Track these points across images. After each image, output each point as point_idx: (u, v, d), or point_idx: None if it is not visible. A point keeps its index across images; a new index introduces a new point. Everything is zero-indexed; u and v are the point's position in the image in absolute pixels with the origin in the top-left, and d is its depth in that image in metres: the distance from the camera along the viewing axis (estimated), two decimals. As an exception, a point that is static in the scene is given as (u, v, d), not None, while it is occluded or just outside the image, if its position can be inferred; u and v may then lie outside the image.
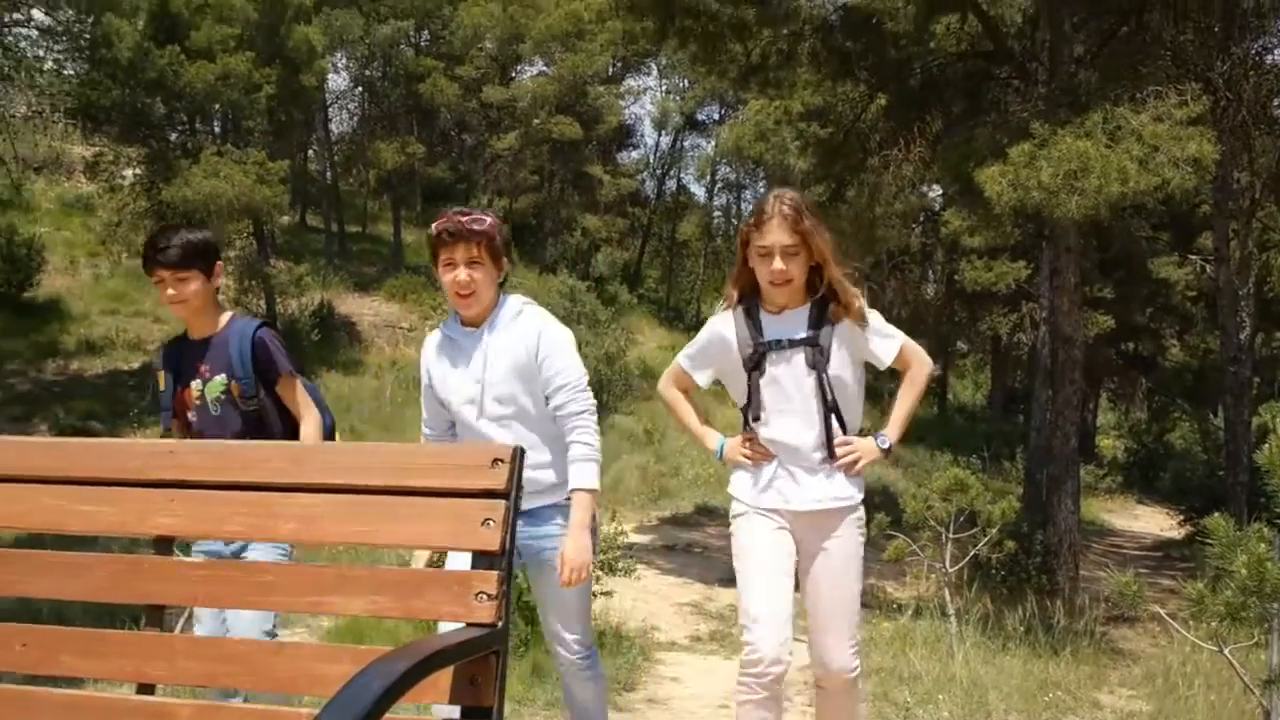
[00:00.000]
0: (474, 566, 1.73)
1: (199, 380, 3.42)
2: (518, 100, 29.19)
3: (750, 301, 3.12)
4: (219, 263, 3.45)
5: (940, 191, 21.05)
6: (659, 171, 37.60)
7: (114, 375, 19.62)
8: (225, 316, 3.49)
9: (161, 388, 3.50)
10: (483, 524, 1.72)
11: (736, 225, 36.88)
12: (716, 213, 40.00)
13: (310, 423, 3.48)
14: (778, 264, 2.96)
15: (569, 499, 3.14)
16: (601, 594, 6.79)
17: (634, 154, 38.08)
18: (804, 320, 3.05)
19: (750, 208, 38.29)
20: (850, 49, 14.40)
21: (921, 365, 3.18)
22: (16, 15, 20.14)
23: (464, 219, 3.12)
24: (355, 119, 33.89)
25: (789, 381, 3.05)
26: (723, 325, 3.15)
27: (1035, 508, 13.91)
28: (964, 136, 12.16)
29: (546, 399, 3.18)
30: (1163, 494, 22.63)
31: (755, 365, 3.07)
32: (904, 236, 23.04)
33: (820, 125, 17.07)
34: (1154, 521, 20.62)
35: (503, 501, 1.73)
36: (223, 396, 3.40)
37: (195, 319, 3.44)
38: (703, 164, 36.67)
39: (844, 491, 3.08)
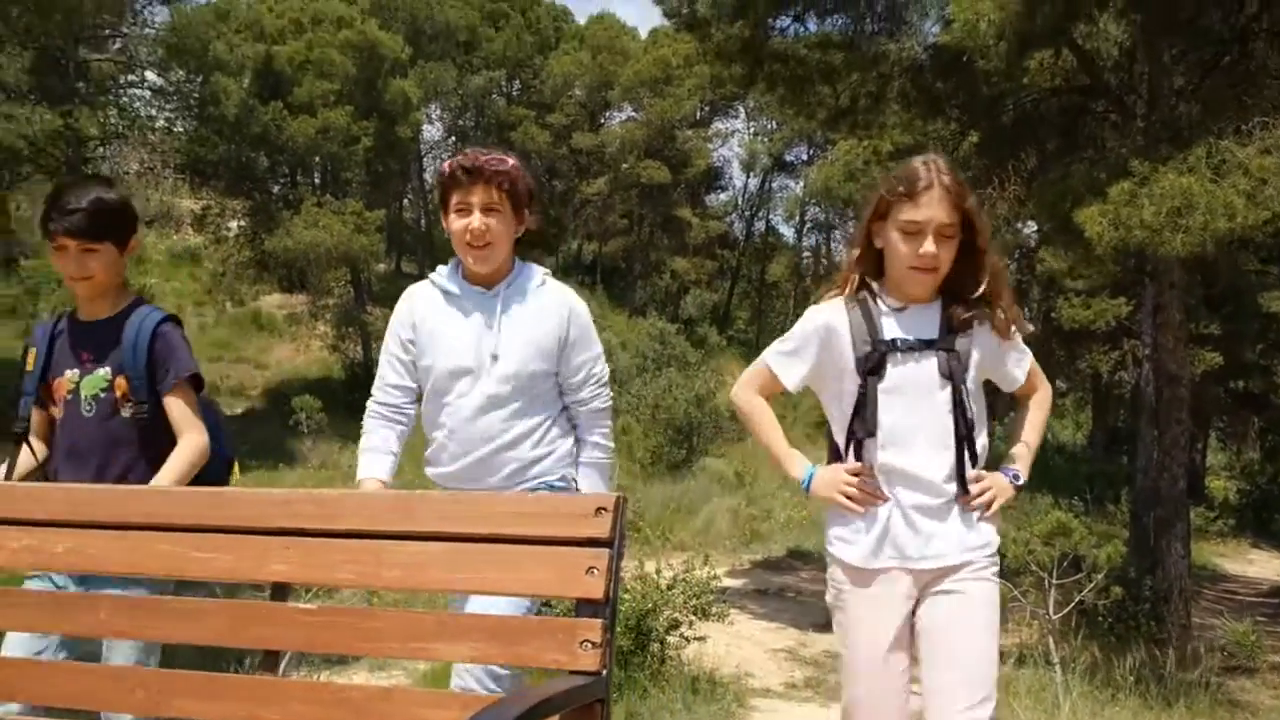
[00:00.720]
0: (578, 614, 1.74)
1: (77, 369, 2.72)
2: (607, 146, 29.60)
3: (865, 292, 2.52)
4: (135, 234, 2.77)
5: (1035, 228, 20.69)
6: (748, 213, 37.69)
7: (219, 420, 20.24)
8: (126, 300, 2.79)
9: (28, 368, 2.75)
10: (587, 572, 1.74)
11: (826, 266, 36.73)
12: (806, 253, 39.86)
13: (188, 443, 2.68)
14: (929, 246, 2.37)
15: (563, 478, 2.82)
16: (695, 639, 6.74)
17: (722, 196, 38.26)
18: (934, 320, 2.46)
19: (840, 250, 38.16)
20: (940, 89, 14.29)
21: (1047, 387, 2.68)
22: (131, 77, 21.17)
23: (484, 156, 2.69)
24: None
25: (916, 392, 2.43)
26: (831, 314, 2.52)
27: (1143, 552, 13.42)
28: (1060, 174, 11.96)
29: (561, 388, 2.81)
30: (1279, 537, 21.69)
31: (874, 368, 2.43)
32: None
33: (910, 164, 16.91)
34: (1270, 566, 19.75)
35: (606, 550, 1.74)
36: (101, 395, 2.69)
37: (94, 299, 2.74)
38: (791, 205, 36.66)
39: (980, 538, 2.46)
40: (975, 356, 2.47)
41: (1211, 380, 21.71)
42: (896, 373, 2.43)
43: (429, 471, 2.85)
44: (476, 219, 2.66)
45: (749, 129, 36.69)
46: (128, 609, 2.03)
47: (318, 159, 22.68)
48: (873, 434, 2.45)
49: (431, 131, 32.51)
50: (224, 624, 1.96)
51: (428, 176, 33.25)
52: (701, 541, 13.41)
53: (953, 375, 2.42)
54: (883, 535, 2.46)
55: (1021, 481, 2.57)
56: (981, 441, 2.50)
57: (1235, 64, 12.47)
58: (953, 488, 2.45)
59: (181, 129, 22.27)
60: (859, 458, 2.49)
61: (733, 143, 44.21)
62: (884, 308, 2.48)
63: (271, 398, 22.02)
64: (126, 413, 2.69)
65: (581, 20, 33.36)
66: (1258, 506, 25.37)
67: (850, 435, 2.49)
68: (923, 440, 2.43)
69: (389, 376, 2.83)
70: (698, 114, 31.63)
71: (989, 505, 2.48)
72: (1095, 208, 10.17)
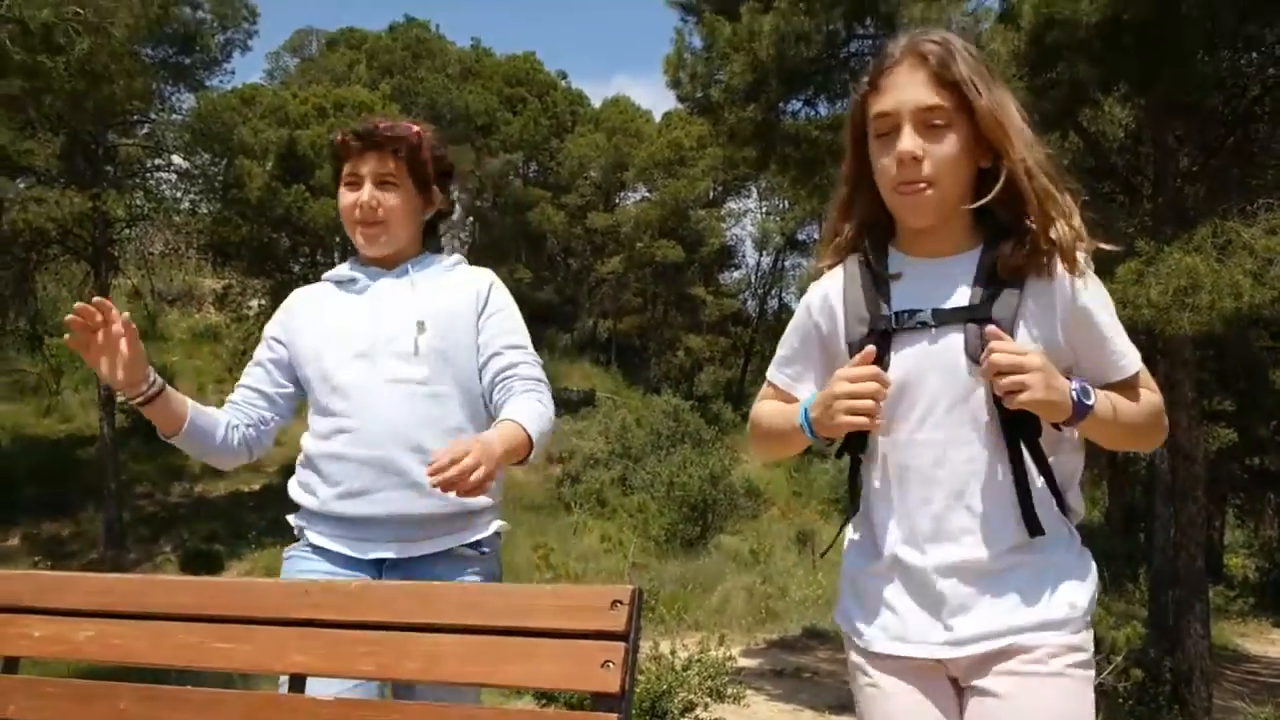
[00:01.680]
0: (594, 709, 1.77)
1: None
2: (621, 225, 30.03)
3: (876, 246, 1.74)
4: None
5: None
6: (761, 291, 37.93)
7: (235, 496, 20.32)
8: None
9: None
10: (602, 666, 1.76)
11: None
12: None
13: None
14: (907, 141, 1.59)
15: (495, 535, 2.24)
16: (710, 722, 6.71)
17: (736, 274, 38.55)
18: (969, 272, 1.64)
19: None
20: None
21: (1158, 398, 1.72)
22: (158, 161, 21.66)
23: (382, 122, 2.30)
24: (466, 247, 35.15)
25: (933, 388, 1.65)
26: (826, 289, 1.80)
27: (1162, 632, 13.26)
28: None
29: (482, 367, 2.25)
30: (1301, 617, 21.37)
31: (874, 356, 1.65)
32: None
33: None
34: (1294, 647, 19.41)
35: (622, 643, 1.76)
36: None
37: None
38: (804, 282, 36.75)
39: (1055, 612, 1.63)
40: (1033, 329, 1.62)
41: (1227, 457, 21.60)
42: (902, 359, 1.66)
43: (302, 500, 2.27)
44: (366, 192, 2.25)
45: (761, 208, 37.13)
46: (147, 698, 2.07)
47: (337, 239, 23.07)
48: (871, 456, 1.75)
49: (449, 211, 33.08)
50: (242, 715, 2.00)
51: (446, 255, 33.72)
52: (717, 620, 13.31)
53: None
54: (897, 608, 1.72)
55: (1091, 401, 1.58)
56: (1067, 469, 1.70)
57: (1239, 146, 12.66)
58: (1013, 535, 1.63)
59: (206, 210, 22.72)
60: (855, 497, 1.80)
61: (745, 222, 44.71)
62: (897, 264, 1.71)
63: (288, 475, 22.06)
64: None
65: (597, 104, 34.07)
66: (1277, 585, 25.03)
67: (850, 488, 1.82)
68: (948, 462, 1.67)
69: (246, 380, 2.37)
70: (711, 194, 32.08)
71: (1010, 375, 1.52)
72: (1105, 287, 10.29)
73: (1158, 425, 1.71)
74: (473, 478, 1.90)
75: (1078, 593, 1.67)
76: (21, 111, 16.29)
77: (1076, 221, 1.62)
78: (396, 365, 2.19)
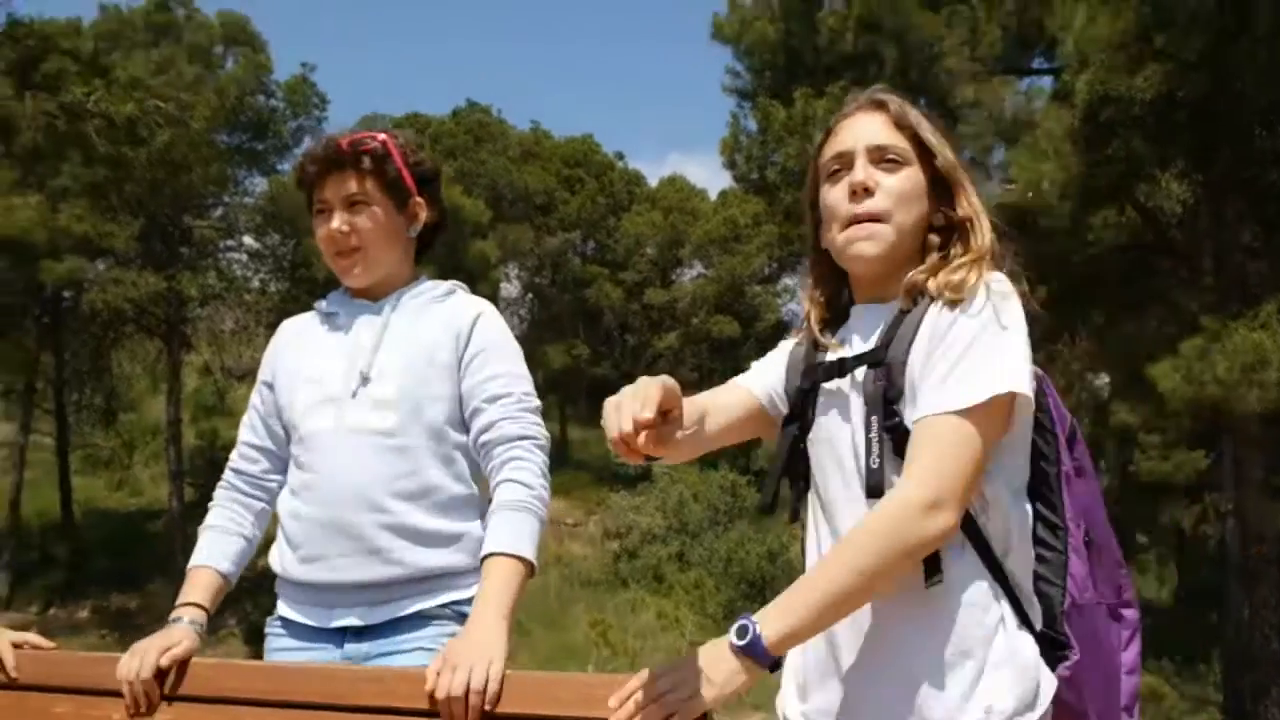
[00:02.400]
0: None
1: None
2: (678, 301, 30.30)
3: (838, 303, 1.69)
4: None
5: (1106, 379, 20.53)
6: (818, 364, 37.87)
7: (298, 572, 20.56)
8: None
9: None
10: None
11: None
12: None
13: None
14: (859, 172, 1.56)
15: (473, 597, 1.79)
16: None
17: (793, 348, 38.54)
18: (887, 316, 1.56)
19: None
20: (1006, 247, 14.53)
21: (919, 490, 1.38)
22: (230, 242, 22.42)
23: (342, 137, 1.98)
24: (525, 324, 35.66)
25: (834, 445, 1.57)
26: (787, 345, 1.76)
27: (1238, 719, 12.84)
28: (1131, 329, 12.03)
29: (467, 422, 1.96)
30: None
31: (797, 413, 1.63)
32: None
33: (979, 318, 17.06)
34: (1383, 736, 18.55)
35: None
36: None
37: None
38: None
39: (952, 708, 1.41)
40: (923, 364, 1.48)
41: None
42: (822, 416, 1.60)
43: (272, 564, 2.03)
44: (336, 219, 1.97)
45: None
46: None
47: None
48: (800, 522, 1.66)
49: (509, 289, 33.56)
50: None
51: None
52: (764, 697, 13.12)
53: (870, 403, 1.50)
54: (804, 680, 1.61)
55: (747, 639, 1.33)
56: (1002, 534, 1.47)
57: (1301, 220, 12.56)
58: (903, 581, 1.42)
59: (274, 289, 23.38)
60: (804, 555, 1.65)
61: (801, 297, 44.82)
62: (854, 317, 1.64)
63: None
64: None
65: (653, 183, 34.58)
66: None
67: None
68: (848, 523, 1.52)
69: (245, 436, 2.10)
70: (766, 270, 32.24)
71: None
72: (1167, 363, 10.22)
73: (885, 556, 1.36)
74: (474, 683, 1.55)
75: (998, 690, 1.42)
76: (104, 197, 17.01)
77: (959, 276, 1.48)
78: (363, 414, 1.92)
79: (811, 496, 1.62)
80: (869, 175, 1.55)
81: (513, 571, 1.75)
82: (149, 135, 15.56)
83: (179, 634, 1.82)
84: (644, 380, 1.36)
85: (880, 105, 1.60)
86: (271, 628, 2.03)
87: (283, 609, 2.01)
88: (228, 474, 2.10)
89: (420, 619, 1.90)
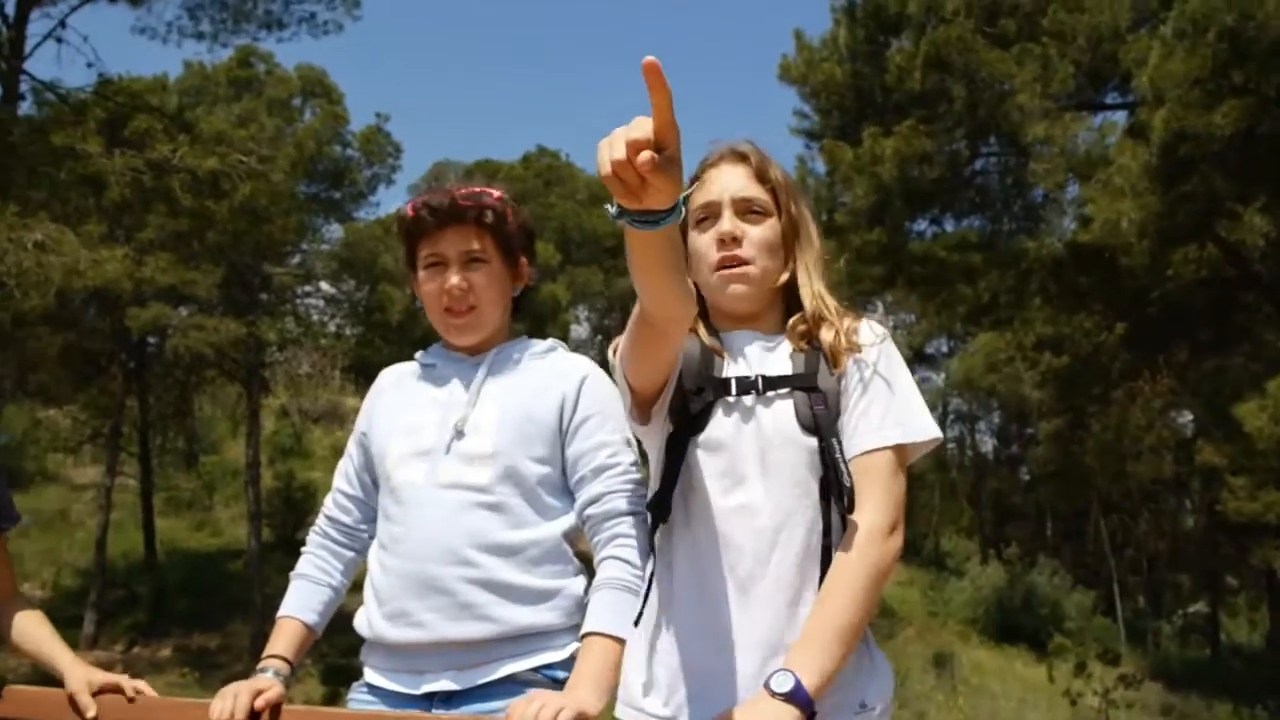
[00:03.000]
0: None
1: None
2: (748, 340, 30.27)
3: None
4: None
5: (1190, 417, 20.01)
6: (890, 404, 37.41)
7: (372, 612, 20.78)
8: None
9: None
10: None
11: (971, 457, 35.89)
12: (950, 445, 39.13)
13: (43, 622, 2.01)
14: (726, 223, 1.72)
15: (574, 659, 1.77)
16: None
17: (864, 387, 38.13)
18: (788, 346, 1.74)
19: (986, 440, 37.15)
20: (1083, 283, 14.33)
21: (882, 517, 1.62)
22: (307, 288, 22.95)
23: (459, 189, 1.95)
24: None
25: (749, 451, 1.69)
26: None
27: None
28: (1215, 367, 11.76)
29: (571, 489, 1.92)
30: None
31: (693, 418, 1.71)
32: (1156, 465, 21.80)
33: (1054, 355, 16.83)
34: None
35: None
36: None
37: None
38: (933, 396, 36.26)
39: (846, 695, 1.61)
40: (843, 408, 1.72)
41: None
42: (723, 426, 1.71)
43: (359, 627, 1.97)
44: (454, 275, 1.93)
45: (889, 322, 36.78)
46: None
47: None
48: (667, 521, 1.77)
49: (579, 331, 33.84)
50: None
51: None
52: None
53: (820, 428, 1.67)
54: (675, 675, 1.72)
55: (790, 687, 1.47)
56: None
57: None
58: (809, 599, 1.64)
59: (350, 333, 23.85)
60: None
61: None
62: (724, 341, 1.78)
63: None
64: None
65: (721, 222, 34.65)
66: None
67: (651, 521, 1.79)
68: (759, 537, 1.69)
69: (339, 484, 2.08)
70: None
71: None
72: (1254, 402, 9.98)
73: (871, 583, 1.56)
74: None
75: (877, 693, 1.67)
76: (187, 246, 17.54)
77: (847, 324, 1.70)
78: (457, 468, 1.87)
79: (678, 497, 1.71)
80: (735, 226, 1.71)
81: (612, 652, 1.72)
82: (231, 188, 16.03)
83: (268, 681, 1.82)
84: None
85: (743, 158, 1.76)
86: (357, 693, 1.97)
87: (370, 676, 1.94)
88: (321, 521, 2.09)
89: (513, 683, 1.81)
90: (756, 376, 1.69)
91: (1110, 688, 15.73)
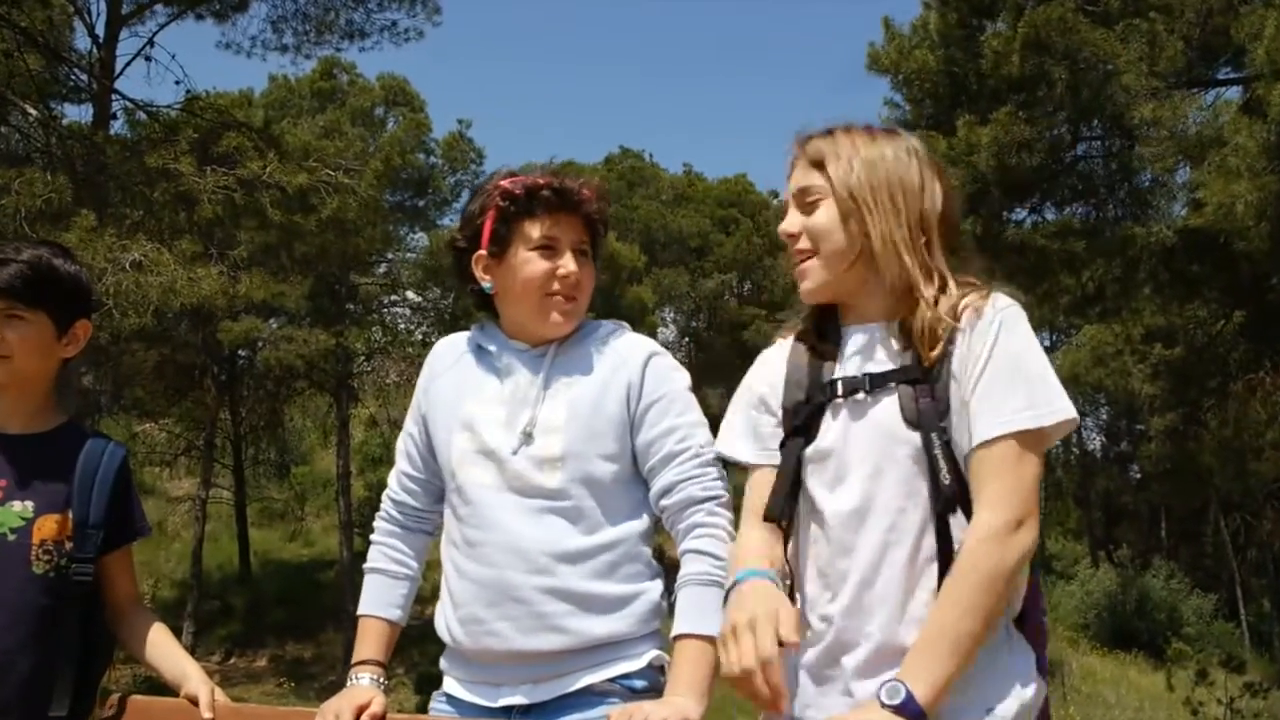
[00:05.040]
0: None
1: None
2: (840, 339, 29.79)
3: (826, 320, 1.72)
4: (85, 322, 1.99)
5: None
6: (989, 400, 36.59)
7: (464, 620, 20.84)
8: (60, 414, 2.02)
9: None
10: None
11: (1078, 455, 34.79)
12: (1056, 443, 38.03)
13: (163, 630, 2.01)
14: (783, 223, 1.70)
15: (652, 668, 1.78)
16: None
17: (959, 384, 37.38)
18: (898, 335, 1.62)
19: (1094, 437, 35.98)
20: (1196, 271, 13.60)
21: (1003, 513, 1.47)
22: (394, 297, 23.07)
23: (572, 181, 1.90)
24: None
25: (861, 452, 1.59)
26: (770, 355, 1.80)
27: None
28: (1346, 358, 10.96)
29: (645, 478, 1.85)
30: None
31: (804, 425, 1.64)
32: (1278, 462, 20.67)
33: (1166, 347, 16.07)
34: None
35: None
36: (11, 536, 1.84)
37: (12, 394, 1.93)
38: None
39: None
40: (960, 402, 1.59)
41: None
42: (833, 431, 1.63)
43: (439, 630, 1.91)
44: (570, 261, 1.86)
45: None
46: None
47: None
48: (787, 540, 1.67)
49: (666, 333, 33.57)
50: None
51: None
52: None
53: (923, 423, 1.56)
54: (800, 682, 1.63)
55: (900, 698, 1.40)
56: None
57: None
58: (921, 609, 1.55)
59: (435, 341, 23.96)
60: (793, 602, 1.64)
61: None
62: (843, 338, 1.69)
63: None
64: (58, 572, 1.86)
65: (809, 219, 34.19)
66: None
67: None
68: (870, 545, 1.61)
69: (402, 466, 2.01)
70: (933, 303, 31.48)
71: None
72: (1393, 396, 9.20)
73: (988, 586, 1.44)
74: None
75: (1009, 699, 1.51)
76: (275, 259, 17.72)
77: (946, 299, 1.57)
78: (528, 472, 1.80)
79: (803, 505, 1.64)
80: (790, 222, 1.68)
81: (705, 652, 1.67)
82: (320, 202, 16.12)
83: (368, 693, 1.80)
84: (762, 602, 1.45)
85: (801, 145, 1.69)
86: (437, 702, 1.91)
87: (449, 686, 1.88)
88: (387, 505, 2.01)
89: (590, 695, 1.76)
90: (864, 375, 1.60)
91: (1235, 696, 14.96)
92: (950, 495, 1.50)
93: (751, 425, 1.73)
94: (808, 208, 1.66)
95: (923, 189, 1.62)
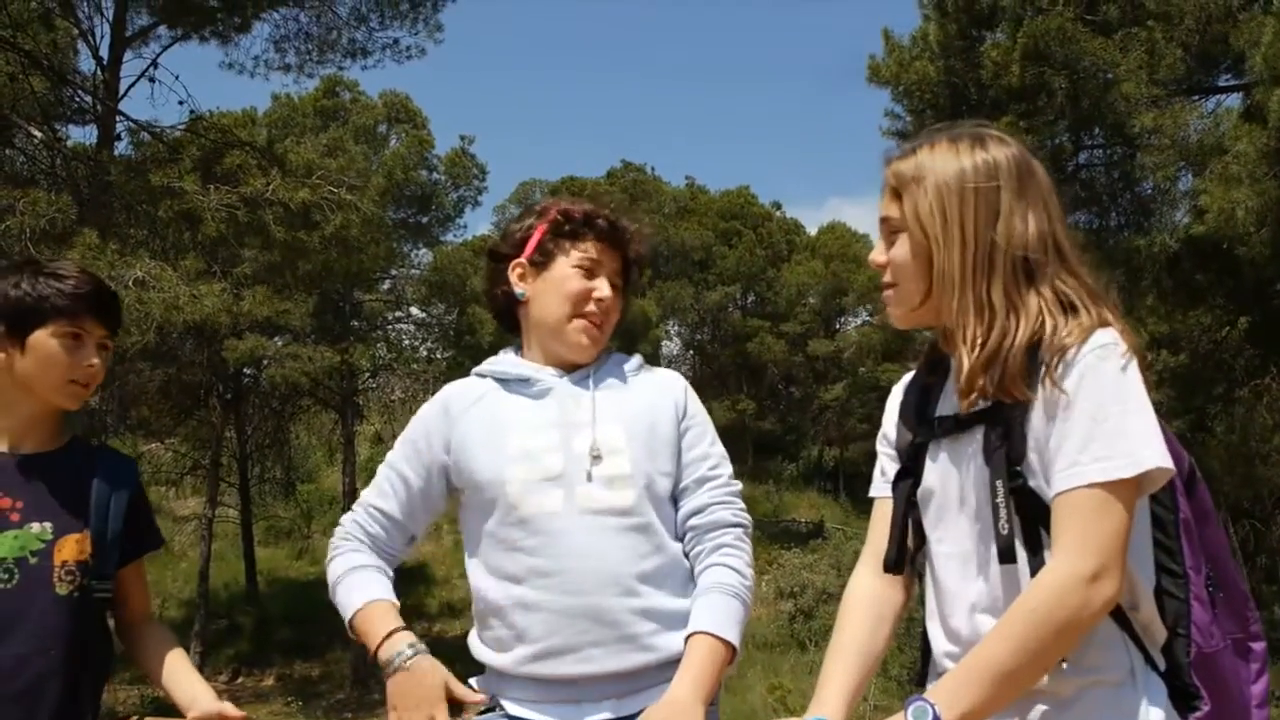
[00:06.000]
0: None
1: None
2: (843, 351, 29.66)
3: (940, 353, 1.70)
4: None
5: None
6: (993, 410, 36.58)
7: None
8: (65, 432, 1.99)
9: None
10: None
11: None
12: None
13: (177, 649, 2.01)
14: (871, 254, 1.68)
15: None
16: None
17: (965, 395, 37.35)
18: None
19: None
20: (1199, 279, 13.59)
21: (1073, 563, 1.38)
22: (398, 313, 23.10)
23: (618, 220, 1.98)
24: (688, 381, 35.66)
25: (958, 495, 1.58)
26: (895, 390, 1.83)
27: None
28: (1351, 363, 10.93)
29: (676, 496, 1.91)
30: None
31: (908, 470, 1.66)
32: (1286, 469, 20.63)
33: (1171, 354, 16.03)
34: None
35: None
36: (32, 559, 1.82)
37: (35, 416, 1.93)
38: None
39: None
40: (1042, 429, 1.51)
41: None
42: (933, 473, 1.62)
43: (491, 660, 1.88)
44: (606, 286, 1.93)
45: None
46: None
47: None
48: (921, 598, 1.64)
49: (670, 346, 33.59)
50: None
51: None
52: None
53: (992, 460, 1.52)
54: None
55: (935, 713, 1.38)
56: (1140, 589, 1.49)
57: None
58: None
59: (440, 357, 23.96)
60: (926, 655, 1.67)
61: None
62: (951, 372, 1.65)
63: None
64: (80, 591, 1.86)
65: (812, 230, 34.18)
66: None
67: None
68: (968, 591, 1.58)
69: (377, 501, 1.98)
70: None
71: None
72: (1400, 402, 9.16)
73: (1042, 629, 1.38)
74: None
75: None
76: (280, 277, 17.75)
77: (1102, 343, 1.45)
78: (601, 493, 1.81)
79: (927, 550, 1.63)
80: (877, 254, 1.64)
81: (717, 653, 1.74)
82: (323, 219, 16.17)
83: (439, 673, 1.80)
84: None
85: (887, 168, 1.63)
86: None
87: (514, 709, 1.83)
88: (353, 529, 1.97)
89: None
90: (953, 415, 1.59)
91: (1246, 706, 14.85)
92: (1007, 545, 1.45)
93: (881, 465, 1.75)
94: (890, 239, 1.62)
95: (998, 215, 1.52)
